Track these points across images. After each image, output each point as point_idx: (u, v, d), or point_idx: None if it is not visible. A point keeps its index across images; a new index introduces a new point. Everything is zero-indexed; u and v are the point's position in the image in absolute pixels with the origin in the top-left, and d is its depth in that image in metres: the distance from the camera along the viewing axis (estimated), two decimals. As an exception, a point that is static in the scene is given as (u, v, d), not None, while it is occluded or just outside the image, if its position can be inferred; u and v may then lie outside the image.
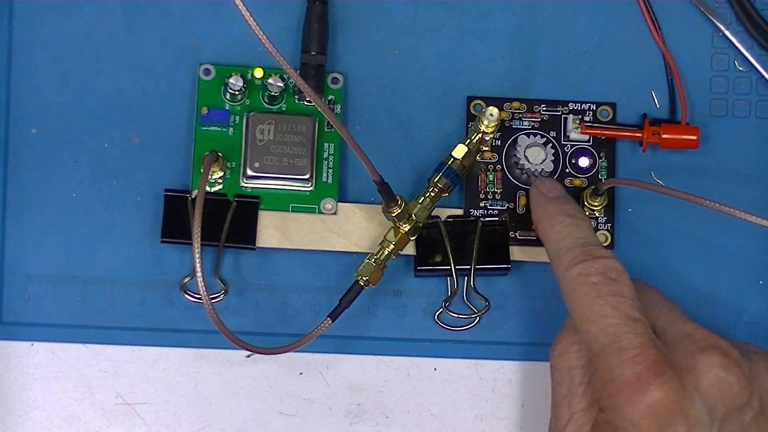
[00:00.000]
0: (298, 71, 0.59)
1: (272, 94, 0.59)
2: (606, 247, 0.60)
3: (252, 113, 0.60)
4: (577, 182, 0.61)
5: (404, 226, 0.58)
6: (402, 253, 0.59)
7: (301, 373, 0.60)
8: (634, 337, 0.51)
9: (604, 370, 0.51)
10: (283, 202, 0.60)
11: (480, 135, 0.59)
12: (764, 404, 0.53)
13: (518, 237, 0.60)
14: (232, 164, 0.60)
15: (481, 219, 0.60)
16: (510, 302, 0.61)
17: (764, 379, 0.53)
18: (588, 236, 0.55)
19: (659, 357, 0.51)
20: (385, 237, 0.58)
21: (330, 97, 0.61)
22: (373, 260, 0.58)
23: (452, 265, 0.59)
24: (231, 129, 0.60)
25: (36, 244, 0.60)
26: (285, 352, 0.57)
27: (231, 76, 0.59)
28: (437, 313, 0.60)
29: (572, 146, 0.61)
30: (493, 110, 0.58)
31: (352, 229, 0.60)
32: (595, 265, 0.53)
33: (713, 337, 0.53)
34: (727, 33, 0.62)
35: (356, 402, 0.60)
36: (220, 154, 0.59)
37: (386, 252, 0.58)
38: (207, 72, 0.60)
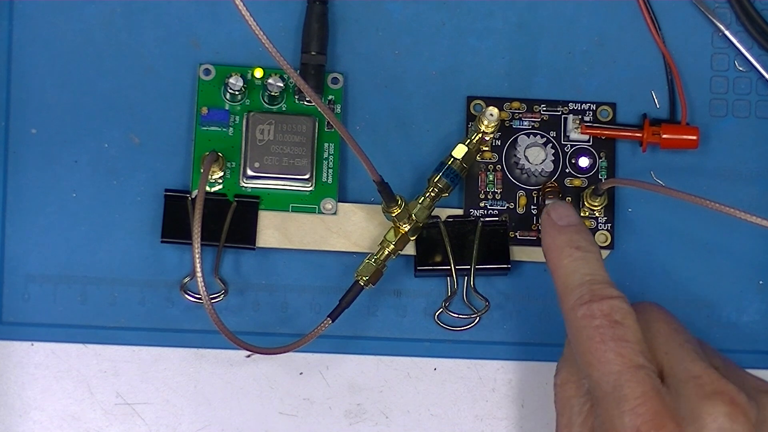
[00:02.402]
0: (298, 71, 0.59)
1: (272, 94, 0.59)
2: (606, 247, 0.60)
3: (252, 113, 0.60)
4: (577, 182, 0.61)
5: (404, 226, 0.58)
6: (402, 253, 0.59)
7: (301, 373, 0.60)
8: (636, 386, 0.49)
9: (605, 418, 0.50)
10: (283, 202, 0.60)
11: (480, 135, 0.59)
12: None
13: (518, 237, 0.60)
14: (232, 164, 0.60)
15: (481, 219, 0.60)
16: (510, 302, 0.60)
17: None
18: (596, 272, 0.53)
19: (661, 408, 0.49)
20: (385, 237, 0.58)
21: (330, 97, 0.61)
22: (373, 260, 0.58)
23: (452, 265, 0.59)
24: (231, 129, 0.60)
25: (36, 244, 0.60)
26: (285, 352, 0.57)
27: (231, 76, 0.59)
28: (437, 313, 0.60)
29: (572, 146, 0.61)
30: (493, 110, 0.58)
31: (352, 229, 0.60)
32: (600, 306, 0.51)
33: (720, 382, 0.50)
34: (727, 33, 0.62)
35: (356, 402, 0.60)
36: (220, 154, 0.59)
37: (386, 252, 0.58)
38: (207, 72, 0.60)
